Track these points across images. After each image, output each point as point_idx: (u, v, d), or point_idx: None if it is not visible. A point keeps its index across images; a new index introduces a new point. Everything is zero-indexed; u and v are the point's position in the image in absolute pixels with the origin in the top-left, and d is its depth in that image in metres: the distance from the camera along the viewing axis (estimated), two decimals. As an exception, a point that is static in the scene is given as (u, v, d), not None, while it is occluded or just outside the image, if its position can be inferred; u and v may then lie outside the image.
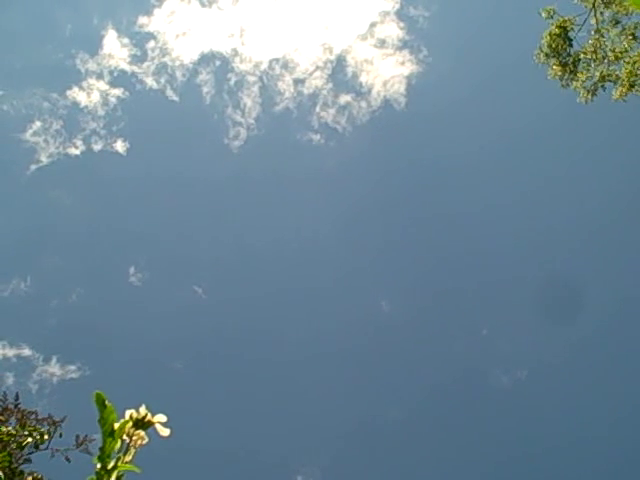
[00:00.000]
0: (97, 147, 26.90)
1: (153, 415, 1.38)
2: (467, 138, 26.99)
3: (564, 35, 14.64)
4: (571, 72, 14.79)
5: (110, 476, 1.30)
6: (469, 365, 25.47)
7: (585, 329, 25.27)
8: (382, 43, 28.10)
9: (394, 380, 25.30)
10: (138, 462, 1.35)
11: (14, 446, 6.48)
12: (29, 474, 6.19)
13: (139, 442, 1.36)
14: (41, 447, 6.81)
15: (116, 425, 1.31)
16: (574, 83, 14.85)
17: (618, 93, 14.25)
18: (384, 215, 28.05)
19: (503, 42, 27.06)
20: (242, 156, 27.79)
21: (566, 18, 14.67)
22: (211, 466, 22.83)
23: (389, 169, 28.10)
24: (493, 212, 27.27)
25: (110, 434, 1.30)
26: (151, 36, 27.63)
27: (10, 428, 6.60)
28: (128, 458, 1.34)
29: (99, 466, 1.30)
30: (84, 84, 27.07)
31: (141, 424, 1.36)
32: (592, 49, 14.62)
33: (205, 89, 27.86)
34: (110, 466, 1.30)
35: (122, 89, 27.35)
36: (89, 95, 26.97)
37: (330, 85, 28.18)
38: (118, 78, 27.39)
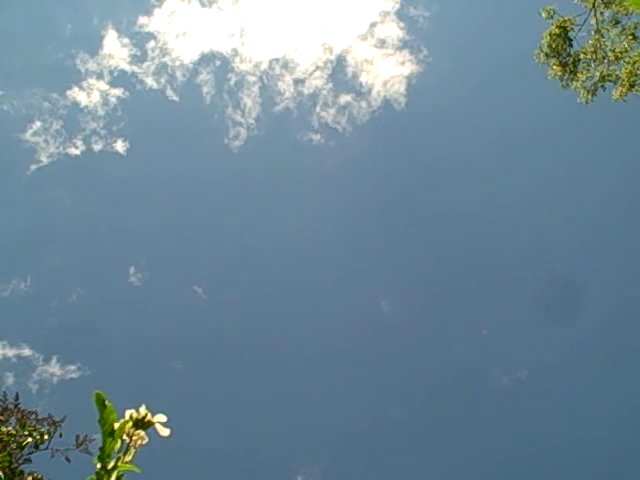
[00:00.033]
0: (97, 147, 26.94)
1: (153, 415, 1.38)
2: (467, 138, 27.01)
3: (564, 35, 14.65)
4: (571, 72, 14.79)
5: (110, 476, 1.30)
6: (469, 365, 25.49)
7: (585, 329, 25.30)
8: (382, 43, 28.13)
9: (394, 380, 25.33)
10: (138, 462, 1.35)
11: (14, 446, 6.48)
12: (29, 474, 6.19)
13: (139, 442, 1.36)
14: (41, 447, 6.81)
15: (116, 425, 1.31)
16: (574, 83, 14.85)
17: (618, 93, 14.25)
18: (384, 215, 28.07)
19: (503, 42, 27.10)
20: (242, 156, 27.82)
21: (566, 18, 14.67)
22: (211, 466, 22.85)
23: (389, 169, 28.13)
24: (493, 212, 27.30)
25: (110, 434, 1.30)
26: (151, 36, 27.66)
27: (10, 428, 6.60)
28: (128, 458, 1.34)
29: (99, 466, 1.30)
30: (84, 84, 27.10)
31: (141, 424, 1.36)
32: (592, 49, 14.62)
33: (205, 89, 27.88)
34: (110, 466, 1.30)
35: (122, 89, 27.38)
36: (89, 95, 27.00)
37: (330, 85, 28.20)
38: (118, 78, 27.42)
